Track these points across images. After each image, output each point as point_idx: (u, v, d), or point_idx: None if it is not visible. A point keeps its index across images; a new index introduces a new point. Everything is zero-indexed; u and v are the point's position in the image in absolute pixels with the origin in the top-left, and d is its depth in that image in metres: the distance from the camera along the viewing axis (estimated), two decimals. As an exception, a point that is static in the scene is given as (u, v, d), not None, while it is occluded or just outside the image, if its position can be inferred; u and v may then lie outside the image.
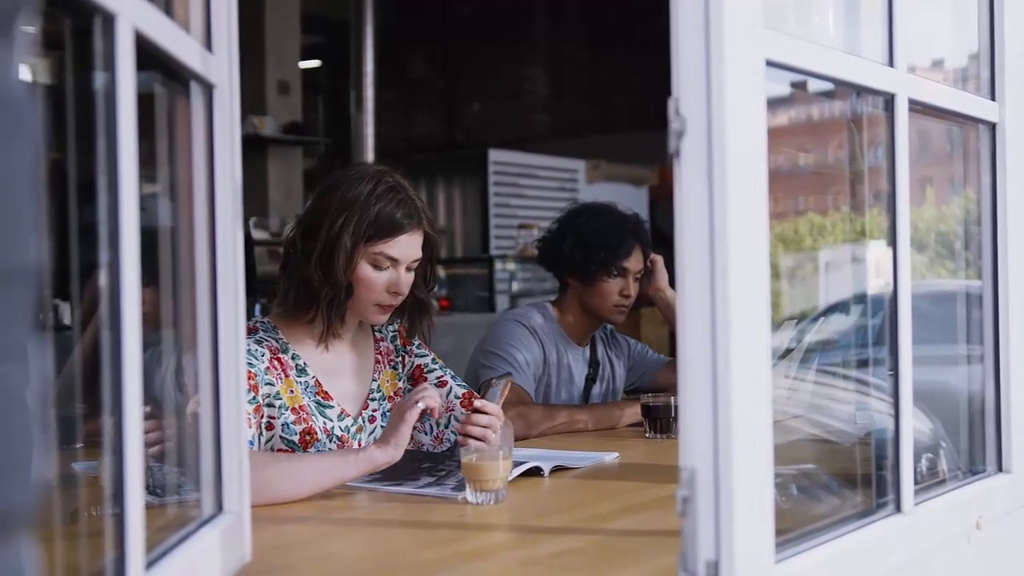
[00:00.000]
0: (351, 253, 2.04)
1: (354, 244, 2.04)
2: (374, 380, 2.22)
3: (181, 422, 1.43)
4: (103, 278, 0.96)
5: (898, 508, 1.46)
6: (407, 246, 2.08)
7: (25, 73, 0.58)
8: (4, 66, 0.55)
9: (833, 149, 1.94)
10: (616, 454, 2.30)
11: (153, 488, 1.28)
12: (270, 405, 2.04)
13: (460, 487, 1.84)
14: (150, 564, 1.04)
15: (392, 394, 2.24)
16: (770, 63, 1.19)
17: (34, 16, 0.61)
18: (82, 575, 1.05)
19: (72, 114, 0.99)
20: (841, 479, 1.65)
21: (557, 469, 2.10)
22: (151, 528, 1.02)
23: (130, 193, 0.96)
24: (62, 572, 1.06)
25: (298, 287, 2.09)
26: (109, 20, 0.94)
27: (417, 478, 1.97)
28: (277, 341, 2.11)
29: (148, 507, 1.01)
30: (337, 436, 2.11)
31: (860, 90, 1.50)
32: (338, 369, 2.17)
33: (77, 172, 0.99)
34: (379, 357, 2.25)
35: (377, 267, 2.07)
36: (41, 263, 0.58)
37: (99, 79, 0.97)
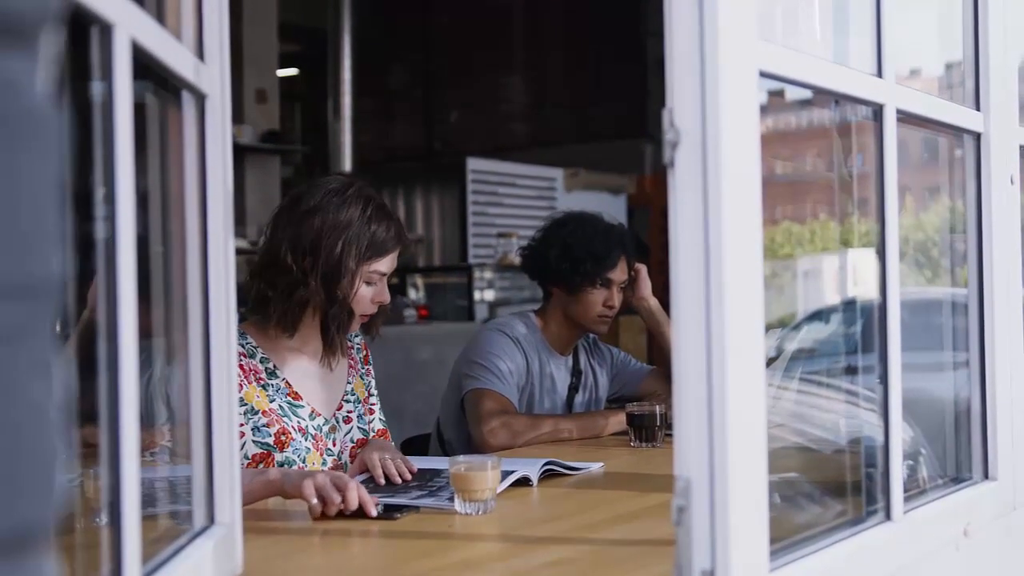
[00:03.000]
0: (355, 275, 2.14)
1: (357, 266, 2.14)
2: (348, 382, 2.30)
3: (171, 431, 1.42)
4: (100, 288, 0.95)
5: (888, 516, 1.46)
6: (393, 260, 2.22)
7: (48, 86, 0.57)
8: (28, 79, 0.55)
9: (811, 158, 1.95)
10: (601, 464, 2.30)
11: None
12: None
13: (453, 498, 1.84)
14: (145, 577, 1.03)
15: (363, 399, 2.33)
16: (764, 74, 1.19)
17: (57, 30, 0.60)
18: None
19: (66, 123, 0.98)
20: (828, 487, 1.66)
21: (547, 474, 2.10)
22: (143, 540, 1.01)
23: (127, 203, 0.96)
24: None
25: (295, 308, 2.13)
26: (106, 30, 0.94)
27: (408, 491, 1.96)
28: (243, 346, 2.15)
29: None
30: (311, 435, 2.16)
31: (850, 100, 1.50)
32: (311, 372, 2.23)
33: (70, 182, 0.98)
34: (351, 363, 2.34)
35: (369, 283, 2.18)
36: (63, 277, 0.57)
37: (95, 88, 0.96)
